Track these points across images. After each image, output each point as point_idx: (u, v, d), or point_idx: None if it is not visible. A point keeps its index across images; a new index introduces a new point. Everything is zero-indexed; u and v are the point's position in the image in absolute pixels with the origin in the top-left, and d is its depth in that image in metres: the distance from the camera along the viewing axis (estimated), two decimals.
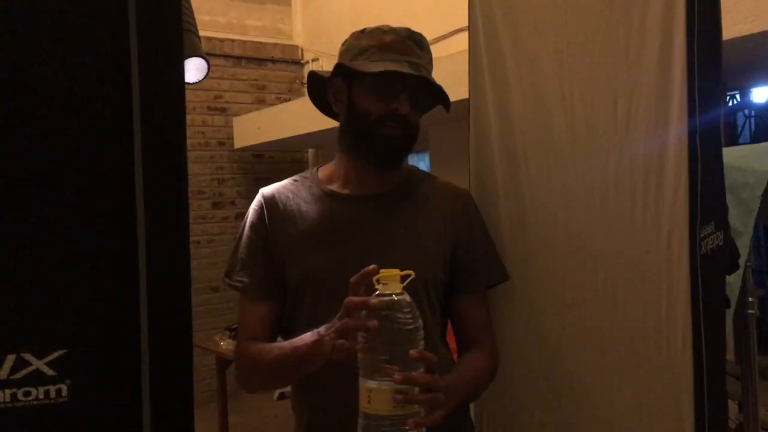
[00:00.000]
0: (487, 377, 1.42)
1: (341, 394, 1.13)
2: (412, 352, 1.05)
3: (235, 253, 1.45)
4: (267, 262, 1.41)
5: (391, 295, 1.06)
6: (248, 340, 1.41)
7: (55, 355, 0.85)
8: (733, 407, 2.69)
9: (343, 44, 1.44)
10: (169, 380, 0.90)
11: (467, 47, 1.64)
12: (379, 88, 1.35)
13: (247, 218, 1.46)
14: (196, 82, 1.99)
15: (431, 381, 1.07)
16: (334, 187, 1.46)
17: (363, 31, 1.41)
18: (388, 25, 1.40)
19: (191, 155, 5.73)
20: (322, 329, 1.18)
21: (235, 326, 4.30)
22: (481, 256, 1.47)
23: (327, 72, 1.45)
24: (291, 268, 1.40)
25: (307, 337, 1.22)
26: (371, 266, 1.09)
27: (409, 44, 1.37)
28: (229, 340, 4.28)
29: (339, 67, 1.39)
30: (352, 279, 1.13)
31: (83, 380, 0.86)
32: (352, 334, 1.10)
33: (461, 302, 1.44)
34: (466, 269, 1.44)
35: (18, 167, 0.85)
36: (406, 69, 1.32)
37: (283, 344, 1.33)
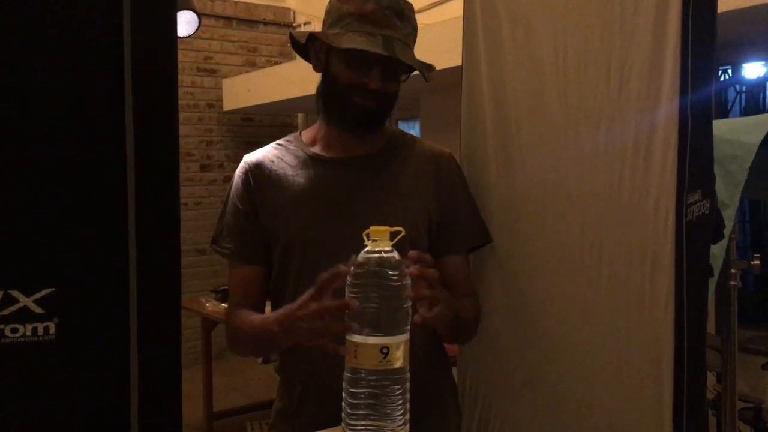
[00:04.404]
0: (475, 315, 1.46)
1: (336, 363, 1.13)
2: (411, 252, 1.14)
3: (222, 220, 1.47)
4: (253, 228, 1.43)
5: (380, 252, 1.07)
6: (236, 307, 1.43)
7: (43, 293, 0.86)
8: (711, 378, 2.73)
9: (329, 2, 1.42)
10: (157, 321, 0.91)
11: (462, 14, 1.63)
12: (351, 62, 1.35)
13: (232, 185, 1.47)
14: (187, 36, 1.98)
15: (436, 276, 1.16)
16: (318, 150, 1.46)
17: None
18: None
19: (180, 117, 5.67)
20: (294, 305, 1.20)
21: (222, 288, 4.31)
22: (464, 217, 1.48)
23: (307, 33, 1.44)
24: (277, 232, 1.41)
25: (277, 316, 1.26)
26: (342, 268, 1.09)
27: (389, 15, 1.34)
28: (215, 302, 4.29)
29: (313, 36, 1.40)
30: (323, 276, 1.13)
31: (71, 320, 0.87)
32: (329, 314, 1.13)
33: (444, 262, 1.45)
34: (448, 230, 1.45)
35: (13, 106, 0.85)
36: (376, 47, 1.30)
37: (260, 319, 1.36)
